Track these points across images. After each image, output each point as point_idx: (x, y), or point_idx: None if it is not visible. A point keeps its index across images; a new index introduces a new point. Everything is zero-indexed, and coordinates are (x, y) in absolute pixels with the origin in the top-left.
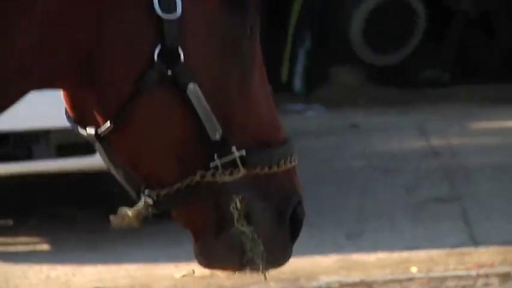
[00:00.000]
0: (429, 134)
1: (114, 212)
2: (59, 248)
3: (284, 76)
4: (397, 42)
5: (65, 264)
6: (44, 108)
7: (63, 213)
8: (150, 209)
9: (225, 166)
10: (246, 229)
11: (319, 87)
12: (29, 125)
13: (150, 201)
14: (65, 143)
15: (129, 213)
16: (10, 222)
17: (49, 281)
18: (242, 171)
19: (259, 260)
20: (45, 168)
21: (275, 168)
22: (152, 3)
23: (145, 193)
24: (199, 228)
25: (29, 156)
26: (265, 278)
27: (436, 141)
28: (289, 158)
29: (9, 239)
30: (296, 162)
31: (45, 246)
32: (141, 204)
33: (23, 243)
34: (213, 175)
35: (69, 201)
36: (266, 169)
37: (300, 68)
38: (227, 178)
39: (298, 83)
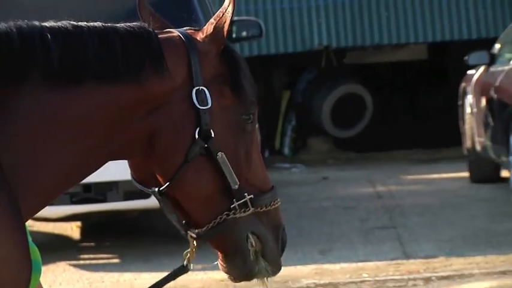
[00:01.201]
0: (375, 183)
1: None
2: (125, 261)
3: (277, 144)
4: (353, 122)
5: (129, 272)
6: (114, 166)
7: (129, 238)
8: (195, 242)
9: (240, 206)
10: (258, 249)
11: (301, 152)
12: (104, 178)
13: (194, 235)
14: (129, 190)
15: (188, 253)
16: (92, 244)
17: (118, 283)
18: (251, 209)
19: (266, 271)
20: (116, 208)
21: (269, 207)
22: (192, 99)
23: (191, 231)
24: (224, 249)
25: (104, 200)
26: (267, 283)
27: (379, 188)
28: (276, 200)
29: (91, 255)
30: (279, 203)
31: (116, 260)
32: (190, 241)
33: (101, 258)
34: (234, 213)
35: (133, 231)
36: (264, 208)
37: (287, 139)
38: (242, 215)
39: (286, 149)
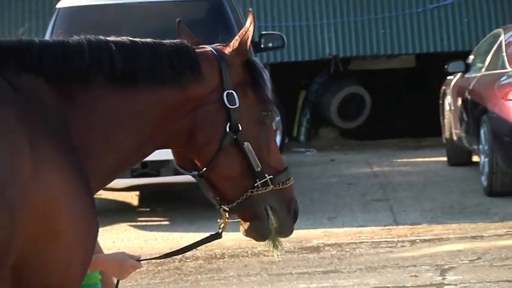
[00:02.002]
0: (372, 165)
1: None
2: (174, 223)
3: (295, 133)
4: (355, 116)
5: (177, 232)
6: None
7: (177, 205)
8: (227, 213)
9: (262, 185)
10: (274, 217)
11: (313, 139)
12: (158, 157)
13: (226, 209)
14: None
15: (222, 219)
16: (147, 209)
17: (168, 240)
18: (271, 187)
19: (278, 234)
20: (167, 181)
21: (284, 186)
22: (223, 101)
23: (223, 205)
24: (248, 219)
25: (158, 174)
26: (281, 244)
27: (375, 169)
28: (289, 179)
29: (147, 218)
30: (292, 181)
31: (166, 222)
32: (222, 213)
33: (155, 220)
34: (257, 190)
35: (181, 199)
36: (281, 185)
37: (303, 129)
38: (263, 191)
39: (302, 137)
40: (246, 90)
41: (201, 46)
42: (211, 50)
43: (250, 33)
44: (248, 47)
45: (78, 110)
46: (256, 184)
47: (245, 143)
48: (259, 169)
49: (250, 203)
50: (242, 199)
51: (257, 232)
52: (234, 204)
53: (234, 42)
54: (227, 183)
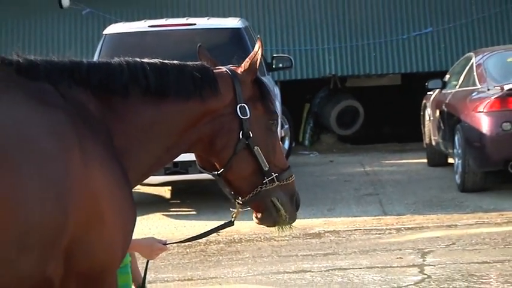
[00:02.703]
0: (364, 165)
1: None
2: (200, 213)
3: (300, 138)
4: (350, 124)
5: (202, 220)
6: None
7: (203, 197)
8: (240, 206)
9: (270, 182)
10: (280, 208)
11: (316, 144)
12: (187, 158)
13: (240, 202)
14: None
15: (235, 210)
16: (178, 201)
17: (195, 227)
18: (277, 183)
19: (285, 221)
20: (194, 178)
21: (288, 181)
22: (237, 112)
23: (237, 199)
24: (259, 210)
25: (187, 172)
26: (287, 229)
27: (367, 168)
28: (291, 176)
29: (177, 209)
30: (294, 177)
31: (194, 212)
32: (237, 204)
33: (184, 211)
34: (265, 186)
35: (205, 193)
36: (284, 181)
37: (307, 135)
38: (270, 187)
39: (306, 142)
40: (255, 103)
41: (217, 67)
42: (226, 70)
43: (258, 56)
44: (257, 67)
45: (118, 117)
46: (264, 181)
47: (255, 147)
48: (267, 169)
49: (259, 197)
50: (253, 194)
51: (267, 220)
52: (247, 198)
53: (245, 63)
54: (241, 181)
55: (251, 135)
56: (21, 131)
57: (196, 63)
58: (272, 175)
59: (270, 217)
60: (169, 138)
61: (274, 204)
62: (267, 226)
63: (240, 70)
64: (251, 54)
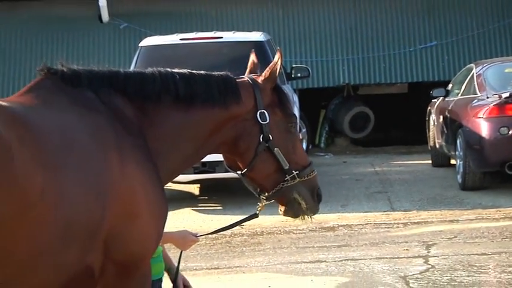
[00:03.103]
0: (375, 165)
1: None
2: (226, 208)
3: (316, 141)
4: (362, 129)
5: (228, 215)
6: None
7: (229, 194)
8: (264, 200)
9: (291, 179)
10: (302, 201)
11: (331, 146)
12: (214, 158)
13: (264, 197)
14: None
15: (258, 207)
16: (206, 197)
17: (221, 221)
18: (297, 180)
19: (306, 213)
20: (221, 176)
21: (309, 177)
22: (257, 118)
23: (262, 194)
24: (282, 203)
25: (214, 171)
26: (310, 220)
27: (377, 168)
28: (313, 171)
29: (205, 204)
30: (316, 173)
31: (220, 207)
32: (262, 199)
33: (211, 206)
34: (287, 183)
35: (231, 190)
36: (306, 177)
37: (323, 138)
38: (292, 183)
39: (322, 144)
40: (274, 108)
41: (240, 77)
42: (248, 79)
43: (278, 66)
44: (277, 76)
45: (151, 122)
46: (286, 178)
47: (275, 149)
48: (287, 167)
49: (282, 192)
50: (276, 190)
51: (290, 212)
52: (270, 194)
53: (266, 72)
54: (263, 179)
55: (271, 138)
56: (66, 133)
57: (221, 73)
58: (293, 173)
59: (293, 210)
60: (197, 141)
61: (295, 199)
62: (292, 217)
63: (260, 79)
64: (271, 64)
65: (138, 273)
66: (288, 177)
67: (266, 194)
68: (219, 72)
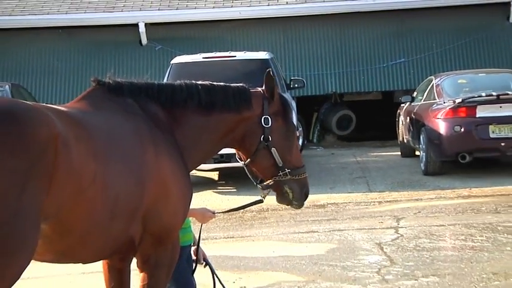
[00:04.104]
0: (356, 156)
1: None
2: (239, 190)
3: (310, 137)
4: (346, 127)
5: (241, 195)
6: None
7: (243, 180)
8: (261, 189)
9: (283, 175)
10: (291, 194)
11: (321, 141)
12: (230, 151)
13: (261, 186)
14: None
15: (261, 190)
16: (223, 182)
17: (235, 200)
18: (289, 177)
19: (293, 204)
20: (235, 165)
21: (301, 176)
22: (261, 122)
23: (259, 184)
24: (277, 192)
25: (229, 161)
26: (297, 207)
27: (358, 159)
28: (304, 173)
29: (223, 187)
30: (306, 174)
31: (234, 190)
32: (259, 187)
33: (227, 189)
34: (279, 178)
35: (243, 176)
36: (297, 176)
37: (315, 135)
38: (284, 179)
39: (315, 139)
40: (277, 116)
41: (256, 88)
42: (260, 91)
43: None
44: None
45: (178, 123)
46: (279, 174)
47: (273, 148)
48: (281, 165)
49: (275, 184)
50: (270, 182)
51: (281, 201)
52: (265, 184)
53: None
54: (261, 171)
55: (270, 139)
56: (113, 132)
57: (238, 85)
58: (285, 170)
59: (283, 199)
60: (215, 138)
61: (286, 192)
62: (283, 204)
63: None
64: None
65: (169, 242)
66: (280, 173)
67: (263, 183)
68: (237, 84)
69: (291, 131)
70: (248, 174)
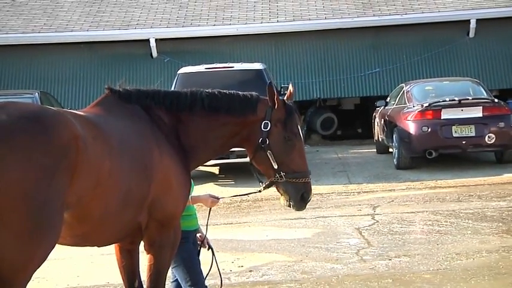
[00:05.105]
0: (338, 153)
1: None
2: (237, 182)
3: None
4: (329, 128)
5: (238, 188)
6: None
7: (240, 173)
8: (262, 186)
9: (280, 177)
10: (286, 196)
11: (308, 140)
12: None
13: (261, 184)
14: (239, 154)
15: (262, 186)
16: (223, 175)
17: (234, 191)
18: (284, 179)
19: (290, 206)
20: (234, 161)
21: (297, 181)
22: (261, 126)
23: (261, 181)
24: (279, 192)
25: (229, 158)
26: (294, 207)
27: (339, 155)
28: (306, 178)
29: (223, 180)
30: (308, 180)
31: (232, 182)
32: (260, 184)
33: (226, 181)
34: (276, 179)
35: (242, 169)
36: (293, 180)
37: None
38: (280, 180)
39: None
40: (277, 123)
41: (263, 96)
42: (265, 99)
43: (279, 99)
44: (286, 103)
45: (184, 126)
46: (276, 176)
47: (268, 151)
48: (276, 167)
49: (274, 184)
50: (268, 182)
51: (282, 202)
52: (264, 183)
53: (279, 102)
54: (262, 170)
55: (267, 142)
56: (124, 133)
57: (251, 93)
58: (280, 173)
59: (282, 200)
60: (220, 140)
61: (281, 193)
62: (284, 205)
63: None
64: (286, 95)
65: (171, 227)
66: (277, 175)
67: (267, 182)
68: (250, 92)
69: (292, 137)
70: (252, 171)
